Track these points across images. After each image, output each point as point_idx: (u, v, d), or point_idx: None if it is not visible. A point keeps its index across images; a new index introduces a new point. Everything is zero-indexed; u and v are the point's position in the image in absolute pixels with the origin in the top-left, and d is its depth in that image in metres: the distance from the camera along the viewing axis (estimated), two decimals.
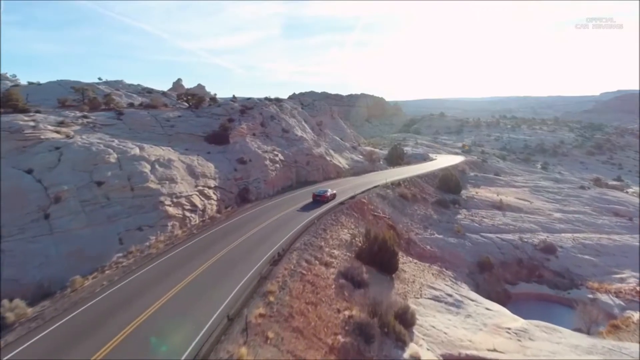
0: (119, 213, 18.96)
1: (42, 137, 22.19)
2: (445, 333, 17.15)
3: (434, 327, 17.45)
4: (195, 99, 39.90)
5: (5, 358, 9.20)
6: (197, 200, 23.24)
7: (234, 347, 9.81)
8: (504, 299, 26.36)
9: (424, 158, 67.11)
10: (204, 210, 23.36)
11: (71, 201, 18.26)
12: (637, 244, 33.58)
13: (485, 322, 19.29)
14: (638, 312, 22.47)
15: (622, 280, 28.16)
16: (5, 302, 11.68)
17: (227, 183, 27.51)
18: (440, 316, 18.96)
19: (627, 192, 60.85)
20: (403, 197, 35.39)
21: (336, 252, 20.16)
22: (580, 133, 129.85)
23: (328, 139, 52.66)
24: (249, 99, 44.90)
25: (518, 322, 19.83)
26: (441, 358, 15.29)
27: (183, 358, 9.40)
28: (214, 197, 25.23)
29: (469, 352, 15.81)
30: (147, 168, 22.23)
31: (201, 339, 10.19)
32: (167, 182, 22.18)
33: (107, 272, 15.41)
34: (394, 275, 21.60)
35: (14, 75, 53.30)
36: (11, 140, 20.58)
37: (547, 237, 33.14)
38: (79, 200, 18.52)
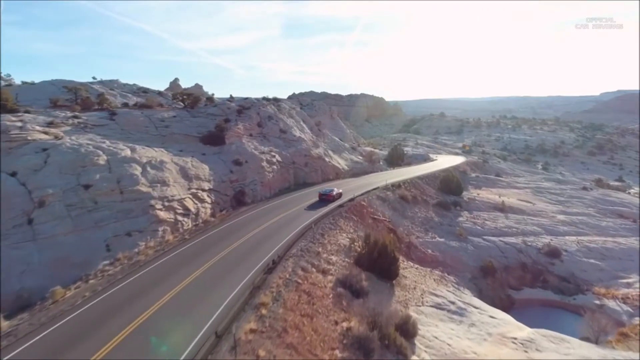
0: (107, 218, 18.13)
1: (29, 138, 21.37)
2: (448, 344, 16.33)
3: (436, 337, 16.62)
4: (190, 99, 39.05)
5: None
6: (190, 203, 22.40)
7: None
8: (507, 305, 25.57)
9: (425, 159, 66.30)
10: (197, 214, 22.52)
11: (56, 205, 17.43)
12: None
13: (490, 331, 18.47)
14: None
15: (628, 285, 27.37)
16: None
17: (222, 185, 26.67)
18: (443, 325, 18.13)
19: (629, 193, 60.16)
20: (403, 199, 34.57)
21: (334, 258, 19.34)
22: (581, 133, 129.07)
23: (327, 140, 51.82)
24: (246, 98, 44.08)
25: (524, 331, 19.01)
26: None
27: None
28: (208, 200, 24.39)
29: None
30: (137, 170, 21.39)
31: None
32: (158, 185, 21.34)
33: (91, 281, 14.57)
34: (394, 282, 20.78)
35: (9, 75, 52.45)
36: None
37: (551, 240, 32.34)
38: (65, 204, 17.69)
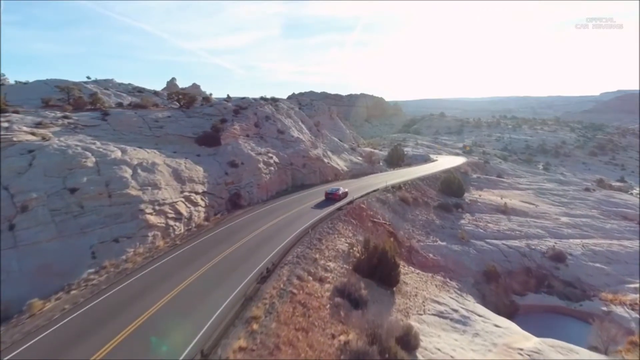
0: (94, 223, 17.28)
1: (14, 139, 20.52)
2: (451, 356, 15.50)
3: (439, 349, 15.79)
4: (186, 99, 38.20)
5: None
6: (182, 207, 21.56)
7: None
8: (512, 311, 24.73)
9: (425, 159, 65.48)
10: (189, 218, 21.68)
11: (39, 210, 16.60)
12: None
13: (495, 341, 17.65)
14: None
15: (636, 290, 26.54)
16: None
17: (216, 188, 25.83)
18: (446, 336, 17.31)
19: (631, 194, 59.42)
20: (404, 202, 33.75)
21: (332, 264, 18.50)
22: (581, 133, 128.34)
23: (326, 140, 51.01)
24: (243, 98, 43.23)
25: (530, 341, 18.18)
26: None
27: None
28: (202, 203, 23.56)
29: None
30: (127, 173, 20.55)
31: None
32: (149, 188, 20.51)
33: (73, 291, 13.72)
34: (395, 289, 19.95)
35: (3, 75, 51.60)
36: None
37: (556, 243, 31.53)
38: (49, 209, 16.86)
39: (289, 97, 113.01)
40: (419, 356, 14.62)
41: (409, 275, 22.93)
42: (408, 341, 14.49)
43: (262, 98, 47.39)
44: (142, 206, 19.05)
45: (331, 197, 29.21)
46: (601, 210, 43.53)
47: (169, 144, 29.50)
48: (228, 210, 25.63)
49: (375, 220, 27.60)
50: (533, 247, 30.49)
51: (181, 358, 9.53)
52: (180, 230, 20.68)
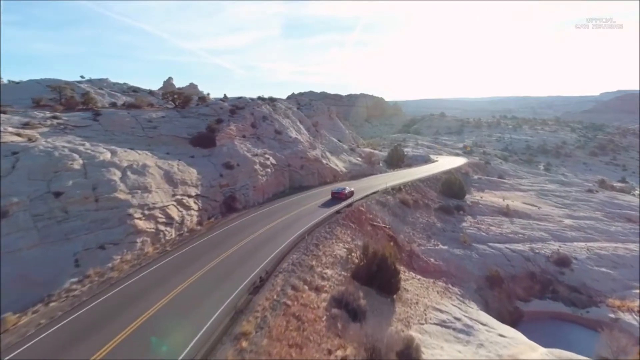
0: (78, 229, 16.42)
1: None
2: None
3: None
4: (181, 98, 37.35)
5: None
6: (174, 211, 20.71)
7: None
8: (516, 318, 23.92)
9: (425, 160, 64.65)
10: (181, 223, 20.83)
11: (21, 215, 15.72)
12: None
13: (500, 352, 16.83)
14: None
15: None
16: None
17: (210, 191, 24.99)
18: (449, 347, 16.48)
19: (634, 195, 58.67)
20: (404, 204, 32.93)
21: (329, 272, 17.67)
22: (582, 133, 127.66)
23: (325, 141, 50.18)
24: (239, 98, 42.39)
25: (537, 351, 17.37)
26: None
27: None
28: (195, 207, 22.70)
29: None
30: (116, 175, 19.70)
31: None
32: (139, 191, 19.65)
33: (53, 303, 12.87)
34: (395, 296, 19.12)
35: None
36: None
37: (560, 247, 30.72)
38: (31, 214, 15.98)
39: (289, 97, 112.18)
40: None
41: (409, 282, 22.11)
42: (409, 354, 13.66)
43: (259, 98, 46.56)
44: (131, 211, 18.20)
45: (337, 197, 29.87)
46: (605, 212, 42.73)
47: (163, 145, 28.67)
48: (222, 214, 24.79)
49: (374, 223, 26.77)
50: (537, 250, 29.67)
51: None
52: (172, 235, 19.83)
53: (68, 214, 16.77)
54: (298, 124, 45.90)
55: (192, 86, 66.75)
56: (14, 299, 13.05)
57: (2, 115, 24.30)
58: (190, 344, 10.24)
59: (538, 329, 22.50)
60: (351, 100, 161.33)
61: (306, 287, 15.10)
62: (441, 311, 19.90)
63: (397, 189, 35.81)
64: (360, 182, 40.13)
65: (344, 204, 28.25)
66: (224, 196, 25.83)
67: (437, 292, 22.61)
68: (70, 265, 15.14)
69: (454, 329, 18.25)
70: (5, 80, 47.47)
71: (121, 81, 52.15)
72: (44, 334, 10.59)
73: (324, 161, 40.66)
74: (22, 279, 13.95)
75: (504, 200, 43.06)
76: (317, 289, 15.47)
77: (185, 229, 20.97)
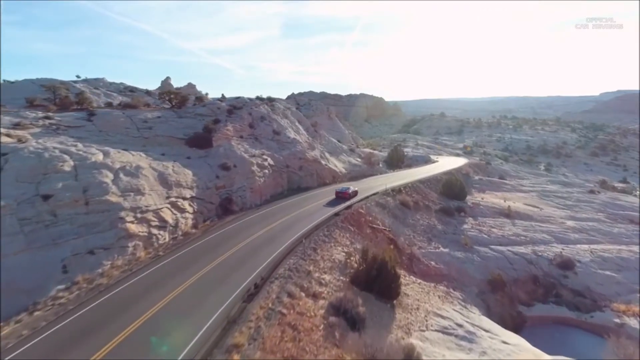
0: (67, 233, 15.86)
1: None
2: None
3: None
4: (178, 98, 36.77)
5: None
6: (167, 214, 20.14)
7: None
8: (519, 323, 23.39)
9: (425, 160, 64.09)
10: (175, 226, 20.26)
11: (7, 220, 15.16)
12: None
13: None
14: None
15: None
16: None
17: (206, 192, 24.42)
18: (451, 355, 15.92)
19: (635, 195, 58.16)
20: (404, 205, 32.37)
21: (327, 277, 17.12)
22: (582, 134, 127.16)
23: (324, 141, 49.61)
24: (237, 98, 41.80)
25: (542, 359, 16.83)
26: None
27: None
28: (190, 209, 22.13)
29: None
30: (108, 178, 19.13)
31: None
32: (131, 194, 19.07)
33: (37, 312, 12.30)
34: (395, 302, 18.56)
35: None
36: None
37: (563, 249, 30.17)
38: (18, 218, 15.42)
39: (288, 97, 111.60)
40: None
41: (410, 286, 21.55)
42: None
43: (257, 98, 45.97)
44: (123, 214, 17.63)
45: (341, 196, 30.16)
46: (607, 213, 42.18)
47: (158, 145, 28.11)
48: (218, 217, 24.23)
49: (374, 226, 26.21)
50: (539, 253, 29.12)
51: None
52: (165, 239, 19.26)
53: (57, 218, 16.20)
54: (297, 124, 45.34)
55: (190, 86, 66.19)
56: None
57: None
58: (182, 353, 9.71)
59: (542, 335, 21.97)
60: (351, 100, 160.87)
61: (303, 294, 14.55)
62: (442, 317, 19.34)
63: (397, 190, 35.26)
64: (360, 183, 39.56)
65: (342, 206, 27.71)
66: (220, 198, 25.27)
67: (438, 297, 22.06)
68: (57, 272, 14.59)
69: (456, 336, 17.70)
70: (0, 80, 46.88)
71: (118, 81, 51.61)
72: (24, 348, 10.02)
73: (323, 162, 40.10)
74: (6, 287, 13.40)
75: (505, 201, 42.52)
76: (315, 296, 14.92)
77: (180, 233, 20.41)
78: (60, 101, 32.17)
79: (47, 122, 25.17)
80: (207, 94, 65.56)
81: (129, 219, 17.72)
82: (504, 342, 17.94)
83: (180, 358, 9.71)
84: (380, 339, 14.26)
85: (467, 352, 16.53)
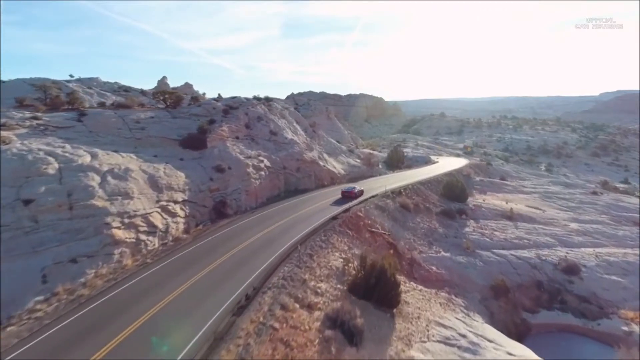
0: (48, 240, 15.01)
1: None
2: None
3: None
4: (172, 98, 35.92)
5: None
6: (157, 219, 19.28)
7: None
8: (523, 331, 22.60)
9: (426, 161, 63.28)
10: (166, 231, 19.41)
11: None
12: None
13: None
14: None
15: None
16: None
17: (199, 196, 23.57)
18: None
19: (636, 196, 57.42)
20: (404, 208, 31.54)
21: (324, 285, 16.27)
22: (583, 134, 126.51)
23: (322, 142, 48.78)
24: (234, 97, 40.97)
25: None
26: None
27: None
28: (181, 213, 21.28)
29: None
30: (95, 181, 18.28)
31: None
32: (119, 197, 18.23)
33: (10, 327, 11.43)
34: (395, 311, 17.72)
35: None
36: None
37: (567, 253, 29.36)
38: None
39: (287, 98, 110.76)
40: None
41: (410, 293, 20.71)
42: None
43: (254, 97, 45.14)
44: (109, 219, 16.78)
45: (347, 195, 31.05)
46: (611, 215, 41.40)
47: (150, 147, 27.25)
48: (212, 220, 23.39)
49: (373, 230, 25.38)
50: (543, 257, 28.30)
51: None
52: (154, 245, 18.40)
53: (38, 224, 15.35)
54: (295, 124, 44.51)
55: (187, 85, 65.32)
56: None
57: None
58: None
59: (548, 344, 21.17)
60: (351, 100, 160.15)
61: (297, 306, 13.70)
62: (445, 326, 18.50)
63: (397, 192, 34.44)
64: (359, 184, 38.67)
65: (341, 209, 26.88)
66: (214, 201, 24.43)
67: (440, 304, 21.22)
68: (37, 282, 13.73)
69: (459, 347, 16.85)
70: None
71: (117, 81, 50.75)
72: None
73: (321, 163, 39.27)
74: None
75: (507, 203, 41.71)
76: (310, 307, 14.07)
77: (170, 238, 19.55)
78: (51, 101, 31.31)
79: (34, 122, 24.29)
80: (204, 93, 64.72)
81: (115, 224, 16.86)
82: (509, 354, 17.10)
83: None
84: (379, 352, 13.46)
85: None
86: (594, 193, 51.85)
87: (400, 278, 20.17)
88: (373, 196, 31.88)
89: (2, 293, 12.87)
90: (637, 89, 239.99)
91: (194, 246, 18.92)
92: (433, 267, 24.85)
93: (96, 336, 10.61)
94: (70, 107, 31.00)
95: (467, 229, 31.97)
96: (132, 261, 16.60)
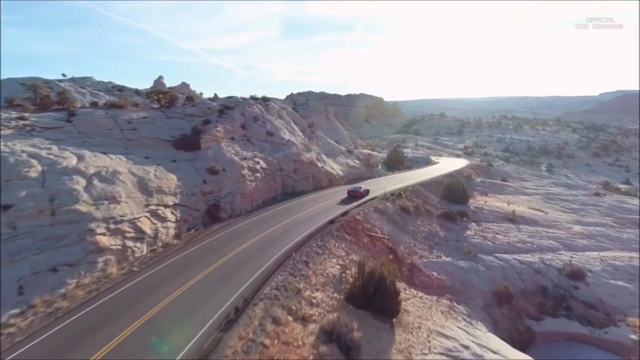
0: (27, 248, 14.14)
1: None
2: None
3: None
4: (166, 98, 35.06)
5: None
6: (146, 224, 18.42)
7: None
8: (528, 340, 21.79)
9: (426, 162, 62.46)
10: (155, 237, 18.55)
11: None
12: None
13: None
14: None
15: None
16: None
17: (191, 199, 22.71)
18: None
19: (637, 197, 56.68)
20: (404, 211, 30.72)
21: (320, 295, 15.43)
22: (583, 134, 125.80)
23: (321, 142, 47.94)
24: (230, 97, 40.11)
25: None
26: None
27: None
28: (172, 218, 20.42)
29: None
30: (80, 184, 17.42)
31: None
32: (105, 202, 17.37)
33: None
34: (394, 321, 16.89)
35: None
36: None
37: (572, 257, 28.56)
38: None
39: (287, 97, 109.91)
40: None
41: (410, 301, 19.86)
42: None
43: (251, 97, 44.29)
44: (93, 225, 15.91)
45: (353, 194, 31.60)
46: (615, 217, 40.62)
47: (142, 148, 26.40)
48: (205, 225, 22.54)
49: (372, 234, 24.55)
50: (547, 262, 27.49)
51: None
52: (142, 251, 17.55)
53: (16, 231, 14.48)
54: (292, 125, 43.67)
55: (184, 85, 64.45)
56: None
57: None
58: None
59: (553, 353, 20.39)
60: (350, 100, 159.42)
61: (290, 319, 12.85)
62: (446, 337, 17.67)
63: (396, 194, 33.62)
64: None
65: (338, 212, 26.03)
66: (207, 205, 23.58)
67: (441, 312, 20.39)
68: (13, 293, 12.85)
69: None
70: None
71: (116, 80, 49.95)
72: None
73: (319, 164, 38.44)
74: None
75: (509, 205, 40.91)
76: (304, 319, 13.22)
77: (160, 244, 18.69)
78: (41, 101, 30.47)
79: (20, 123, 23.43)
80: (201, 93, 63.95)
81: (100, 230, 16.00)
82: None
83: None
84: None
85: None
86: (597, 194, 51.08)
87: (400, 285, 19.37)
88: (372, 198, 31.06)
89: None
90: (637, 89, 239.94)
91: (184, 252, 18.06)
92: (434, 273, 24.02)
93: (76, 352, 9.77)
94: (60, 107, 30.16)
95: (468, 232, 31.15)
96: (117, 269, 15.74)
